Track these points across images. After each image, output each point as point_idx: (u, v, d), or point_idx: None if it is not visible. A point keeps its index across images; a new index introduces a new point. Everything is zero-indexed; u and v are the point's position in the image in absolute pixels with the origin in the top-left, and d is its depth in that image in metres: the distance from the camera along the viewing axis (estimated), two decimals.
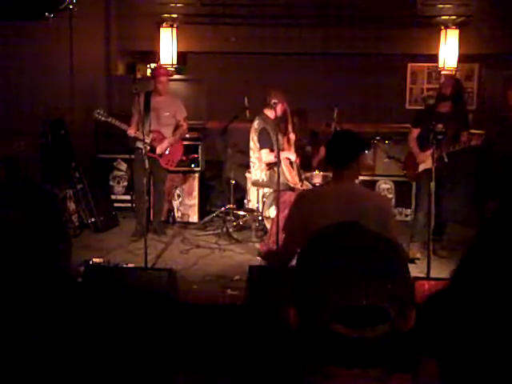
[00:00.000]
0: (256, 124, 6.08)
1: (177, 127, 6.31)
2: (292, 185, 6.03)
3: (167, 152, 6.23)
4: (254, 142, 6.14)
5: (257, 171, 6.18)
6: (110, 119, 5.97)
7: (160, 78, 6.12)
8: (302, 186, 6.12)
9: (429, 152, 5.62)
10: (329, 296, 0.95)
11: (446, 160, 5.48)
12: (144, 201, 5.93)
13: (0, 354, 1.29)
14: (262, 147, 6.00)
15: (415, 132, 5.85)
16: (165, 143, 6.17)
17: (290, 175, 6.09)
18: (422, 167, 5.77)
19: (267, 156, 5.96)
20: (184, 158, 6.68)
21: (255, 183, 6.34)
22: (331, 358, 0.96)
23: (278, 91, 6.05)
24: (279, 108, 6.05)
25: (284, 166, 5.93)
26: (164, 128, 6.13)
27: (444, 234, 5.92)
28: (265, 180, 6.12)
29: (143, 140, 5.56)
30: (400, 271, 1.00)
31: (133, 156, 6.40)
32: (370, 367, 0.96)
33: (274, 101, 5.92)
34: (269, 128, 5.97)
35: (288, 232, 3.29)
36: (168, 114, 6.18)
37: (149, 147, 5.97)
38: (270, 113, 6.07)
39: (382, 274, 0.96)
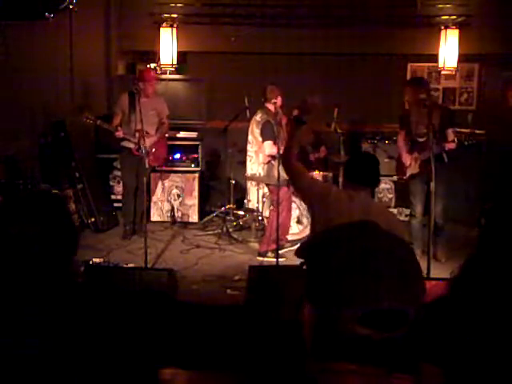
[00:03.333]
0: (258, 117, 6.01)
1: (159, 125, 6.41)
2: None
3: (153, 150, 6.30)
4: (253, 136, 6.07)
5: (253, 165, 6.11)
6: (98, 122, 6.06)
7: (151, 82, 6.23)
8: None
9: (414, 155, 5.64)
10: (352, 298, 0.95)
11: (445, 160, 5.44)
12: (133, 199, 6.28)
13: (4, 354, 1.29)
14: (265, 139, 5.86)
15: (402, 134, 5.82)
16: (152, 138, 6.23)
17: None
18: (409, 172, 5.74)
19: (271, 148, 5.79)
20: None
21: (251, 177, 6.28)
22: (348, 356, 0.96)
23: (273, 86, 6.02)
24: (278, 104, 6.02)
25: None
26: (149, 127, 6.07)
27: (442, 236, 5.82)
28: (262, 174, 6.02)
29: (139, 141, 5.72)
30: (417, 272, 1.00)
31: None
32: (380, 366, 0.96)
33: (273, 100, 5.91)
34: (272, 121, 5.91)
35: (311, 177, 3.69)
36: (153, 112, 6.26)
37: (136, 146, 6.08)
38: (271, 107, 6.02)
39: (403, 276, 0.96)
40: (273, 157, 5.74)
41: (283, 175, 5.87)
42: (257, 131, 5.99)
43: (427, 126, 5.12)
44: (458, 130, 5.68)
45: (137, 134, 6.07)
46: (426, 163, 5.34)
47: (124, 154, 6.31)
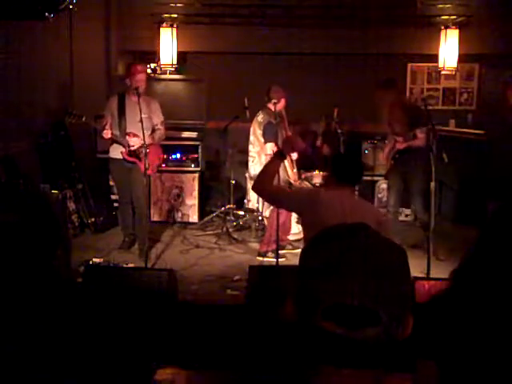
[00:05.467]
0: (260, 118, 6.02)
1: (153, 131, 5.75)
2: (292, 181, 6.01)
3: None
4: (255, 136, 6.07)
5: (256, 165, 6.10)
6: (83, 119, 5.52)
7: (137, 77, 5.50)
8: (300, 184, 6.11)
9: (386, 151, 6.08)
10: (320, 293, 0.95)
11: (446, 160, 5.43)
12: (130, 211, 5.93)
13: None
14: (267, 141, 5.87)
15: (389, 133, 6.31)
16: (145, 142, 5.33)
17: (291, 171, 6.06)
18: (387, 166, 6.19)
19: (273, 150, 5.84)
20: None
21: (253, 178, 6.27)
22: (324, 357, 0.96)
23: (278, 88, 6.02)
24: (280, 105, 6.01)
25: (286, 162, 5.88)
26: (140, 132, 5.28)
27: (428, 232, 5.84)
28: None
29: (129, 144, 5.47)
30: (399, 277, 0.98)
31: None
32: (363, 368, 0.95)
33: (274, 101, 5.91)
34: (273, 121, 5.91)
35: (288, 191, 3.81)
36: (145, 116, 5.47)
37: (127, 150, 5.61)
38: (272, 107, 6.01)
39: (377, 276, 0.95)
40: None
41: (285, 176, 5.89)
42: (259, 132, 6.00)
43: (397, 124, 5.68)
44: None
45: (127, 138, 5.60)
46: (400, 160, 5.80)
47: (113, 166, 5.88)
